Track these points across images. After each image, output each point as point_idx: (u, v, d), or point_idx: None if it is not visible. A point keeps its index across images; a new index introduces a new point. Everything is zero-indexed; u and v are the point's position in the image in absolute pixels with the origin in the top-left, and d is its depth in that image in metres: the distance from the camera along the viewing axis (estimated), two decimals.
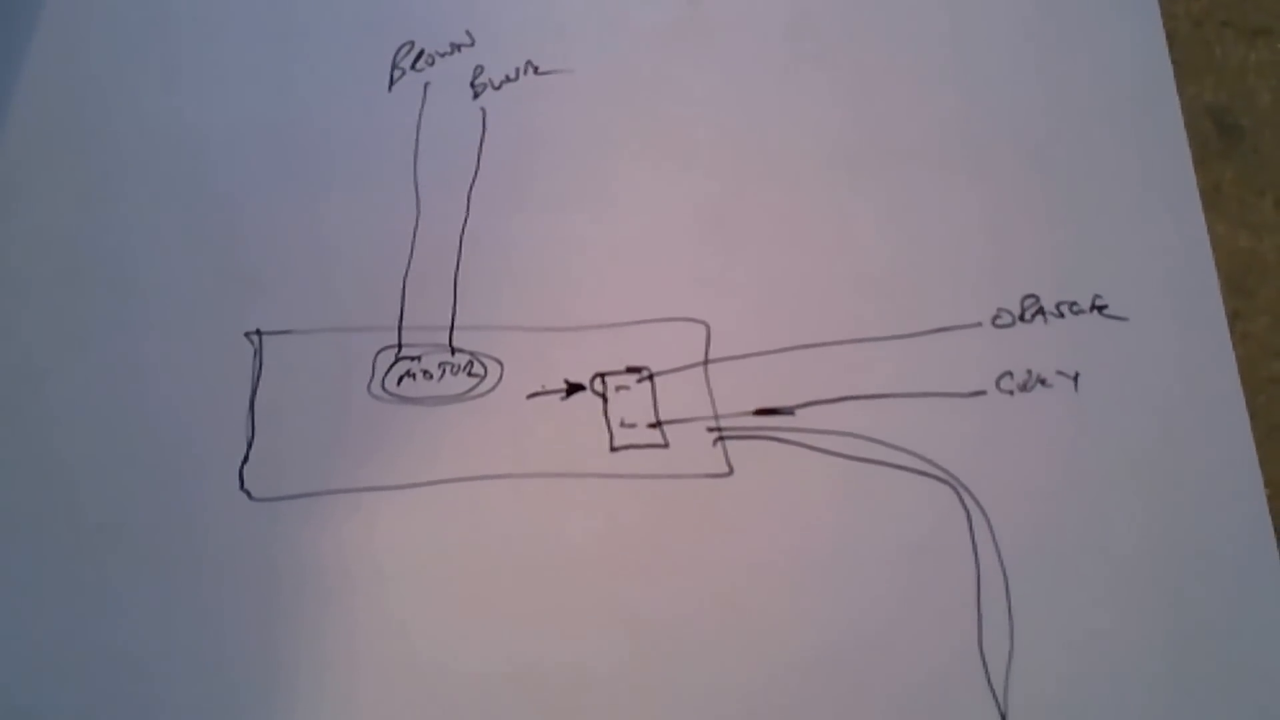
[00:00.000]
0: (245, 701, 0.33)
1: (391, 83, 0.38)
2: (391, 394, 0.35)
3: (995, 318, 0.35)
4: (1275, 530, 0.33)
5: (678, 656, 0.33)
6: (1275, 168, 0.37)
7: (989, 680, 0.32)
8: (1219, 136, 0.38)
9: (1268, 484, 0.34)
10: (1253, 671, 0.32)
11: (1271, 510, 0.33)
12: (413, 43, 0.39)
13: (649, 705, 0.32)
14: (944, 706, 0.32)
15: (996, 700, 0.32)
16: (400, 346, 0.36)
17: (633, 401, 0.35)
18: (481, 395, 0.35)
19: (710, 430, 0.35)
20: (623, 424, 0.35)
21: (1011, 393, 0.35)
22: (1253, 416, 0.34)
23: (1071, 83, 0.38)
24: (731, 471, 0.34)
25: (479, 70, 0.38)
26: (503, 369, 0.35)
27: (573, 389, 0.35)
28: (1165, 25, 0.38)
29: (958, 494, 0.34)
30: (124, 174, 0.38)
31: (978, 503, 0.34)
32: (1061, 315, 0.35)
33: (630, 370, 0.35)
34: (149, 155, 0.38)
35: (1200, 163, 0.37)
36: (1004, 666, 0.32)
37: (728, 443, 0.35)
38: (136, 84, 0.39)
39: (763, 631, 0.33)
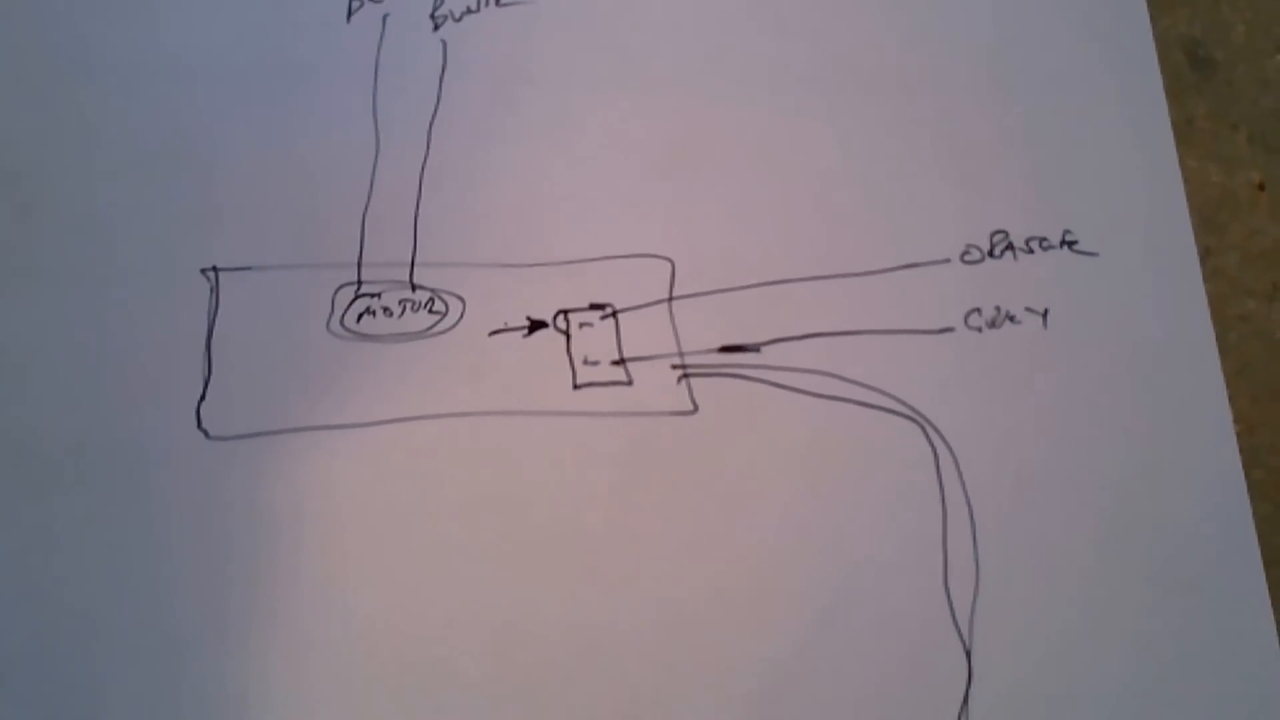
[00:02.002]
0: (193, 641, 0.32)
1: (350, 14, 0.37)
2: (351, 331, 0.35)
3: (964, 254, 0.35)
4: (1244, 466, 0.33)
5: (640, 595, 0.32)
6: (1249, 102, 0.37)
7: (954, 617, 0.32)
8: (1192, 69, 0.37)
9: (1237, 420, 0.33)
10: (1220, 600, 0.32)
11: (1241, 447, 0.33)
12: None
13: (610, 646, 0.32)
14: (909, 644, 0.32)
15: (961, 637, 0.32)
16: (360, 283, 0.35)
17: (596, 339, 0.35)
18: (442, 332, 0.35)
19: (675, 368, 0.34)
20: (586, 361, 0.34)
21: (980, 329, 0.34)
22: (1223, 354, 0.34)
23: (1044, 15, 0.37)
24: (696, 409, 0.34)
25: (439, 1, 0.37)
26: (464, 306, 0.35)
27: (535, 326, 0.35)
28: None
29: (924, 432, 0.33)
30: (78, 108, 0.37)
31: (945, 440, 0.33)
32: (1031, 251, 0.35)
33: (594, 307, 0.35)
34: (103, 88, 0.37)
35: (1173, 96, 0.36)
36: (969, 604, 0.32)
37: (692, 380, 0.34)
38: (88, 16, 0.38)
39: (726, 569, 0.33)
